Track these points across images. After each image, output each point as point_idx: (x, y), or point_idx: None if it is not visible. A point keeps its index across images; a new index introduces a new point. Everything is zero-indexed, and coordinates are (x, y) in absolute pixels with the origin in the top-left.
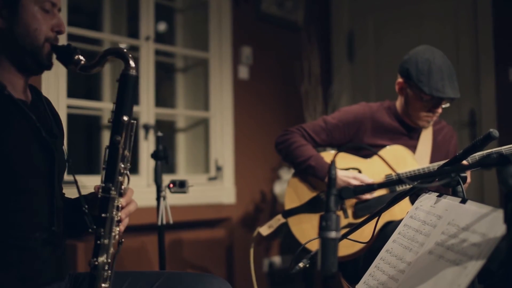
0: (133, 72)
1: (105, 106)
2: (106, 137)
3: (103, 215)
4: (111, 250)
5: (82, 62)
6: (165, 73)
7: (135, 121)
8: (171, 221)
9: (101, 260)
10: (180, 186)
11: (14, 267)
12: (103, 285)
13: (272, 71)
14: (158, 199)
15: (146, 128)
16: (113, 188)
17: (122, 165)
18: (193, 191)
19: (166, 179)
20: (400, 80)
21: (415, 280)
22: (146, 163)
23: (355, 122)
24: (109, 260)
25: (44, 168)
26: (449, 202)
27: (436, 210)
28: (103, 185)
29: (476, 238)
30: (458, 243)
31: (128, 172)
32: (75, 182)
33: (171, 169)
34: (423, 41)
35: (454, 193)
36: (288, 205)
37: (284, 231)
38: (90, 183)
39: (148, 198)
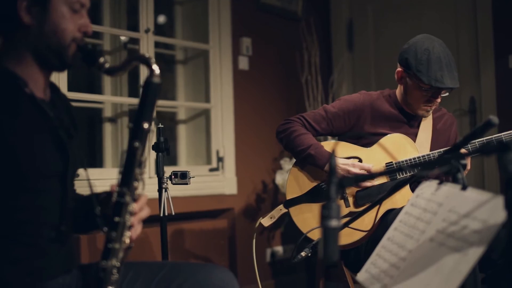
0: (156, 80)
1: (106, 99)
2: (107, 130)
3: (116, 219)
4: (121, 254)
5: (106, 65)
6: (165, 65)
7: (153, 129)
8: (173, 212)
9: (110, 264)
10: (182, 177)
11: (21, 262)
12: None
13: (272, 62)
14: (160, 190)
15: None
16: (128, 193)
17: (138, 171)
18: (194, 182)
19: (168, 170)
20: (399, 69)
21: (416, 267)
22: (148, 155)
23: (355, 110)
24: (118, 264)
25: (58, 168)
26: (450, 189)
27: (436, 197)
28: (119, 189)
29: (477, 225)
30: (459, 230)
31: (143, 178)
32: (89, 183)
33: (173, 161)
34: (422, 29)
35: (455, 180)
36: (290, 195)
37: (286, 220)
38: (91, 176)
39: (149, 189)
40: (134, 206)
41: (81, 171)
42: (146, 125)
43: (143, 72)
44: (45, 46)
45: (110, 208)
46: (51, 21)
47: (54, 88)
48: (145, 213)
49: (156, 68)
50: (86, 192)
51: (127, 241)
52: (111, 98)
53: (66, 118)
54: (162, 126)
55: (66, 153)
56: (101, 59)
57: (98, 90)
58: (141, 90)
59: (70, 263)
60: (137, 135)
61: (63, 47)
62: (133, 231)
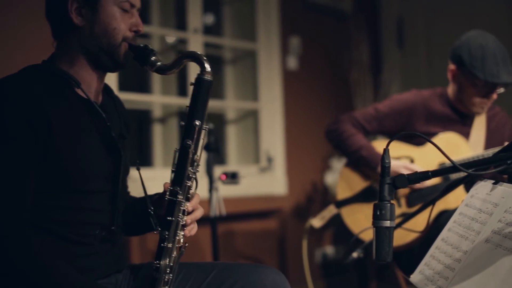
0: (208, 76)
1: (155, 99)
2: (157, 130)
3: (168, 218)
4: (174, 254)
5: (158, 64)
6: (213, 65)
7: (207, 127)
8: (224, 213)
9: (163, 263)
10: (232, 177)
11: (74, 260)
12: None
13: (320, 61)
14: (210, 190)
15: None
16: (180, 192)
17: (191, 169)
18: (244, 182)
19: (218, 170)
20: (452, 67)
21: (472, 269)
22: (200, 153)
23: (406, 110)
24: (171, 264)
25: (110, 169)
26: (506, 189)
27: (492, 197)
28: (171, 188)
29: None
30: None
31: (196, 177)
32: (142, 183)
33: (222, 161)
34: (475, 24)
35: (511, 180)
36: (341, 195)
37: (336, 221)
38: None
39: (200, 189)
40: (187, 205)
41: (133, 173)
42: (198, 123)
43: (193, 71)
44: (97, 47)
45: (163, 209)
46: (101, 22)
47: (106, 89)
48: (199, 212)
49: (207, 65)
50: (138, 194)
51: (181, 240)
52: (161, 99)
53: (118, 119)
54: (212, 126)
55: (118, 154)
56: (153, 58)
57: (147, 90)
58: (192, 88)
59: (120, 263)
60: (189, 133)
61: (114, 46)
62: (187, 231)
